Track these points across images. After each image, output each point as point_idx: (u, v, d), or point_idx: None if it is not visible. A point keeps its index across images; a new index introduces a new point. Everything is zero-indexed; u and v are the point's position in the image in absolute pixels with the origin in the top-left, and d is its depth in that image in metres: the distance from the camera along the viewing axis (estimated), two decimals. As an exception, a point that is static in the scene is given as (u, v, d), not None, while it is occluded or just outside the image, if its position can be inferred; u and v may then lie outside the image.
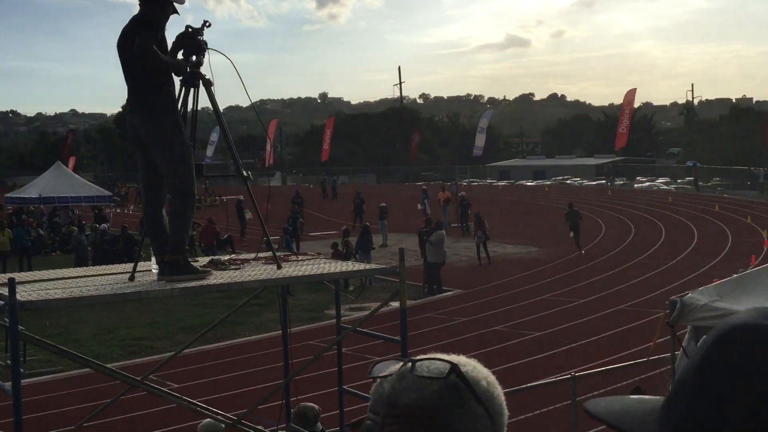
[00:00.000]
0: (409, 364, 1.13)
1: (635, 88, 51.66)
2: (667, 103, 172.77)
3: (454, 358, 1.16)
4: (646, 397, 1.05)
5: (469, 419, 1.10)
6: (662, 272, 22.20)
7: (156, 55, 5.72)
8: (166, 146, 5.89)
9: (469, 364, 1.16)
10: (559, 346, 14.65)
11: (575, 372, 9.75)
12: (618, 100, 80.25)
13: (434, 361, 1.14)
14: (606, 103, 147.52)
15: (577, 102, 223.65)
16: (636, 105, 61.04)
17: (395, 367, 1.15)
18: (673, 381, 0.98)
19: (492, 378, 1.17)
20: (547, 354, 14.18)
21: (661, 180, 58.70)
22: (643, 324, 15.64)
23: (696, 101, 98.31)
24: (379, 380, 1.14)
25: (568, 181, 62.77)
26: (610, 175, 59.58)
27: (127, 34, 5.92)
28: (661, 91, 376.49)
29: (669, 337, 9.46)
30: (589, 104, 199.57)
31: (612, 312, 17.42)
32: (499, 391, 1.16)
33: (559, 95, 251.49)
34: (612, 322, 16.40)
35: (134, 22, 5.94)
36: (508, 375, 12.74)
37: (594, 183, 59.47)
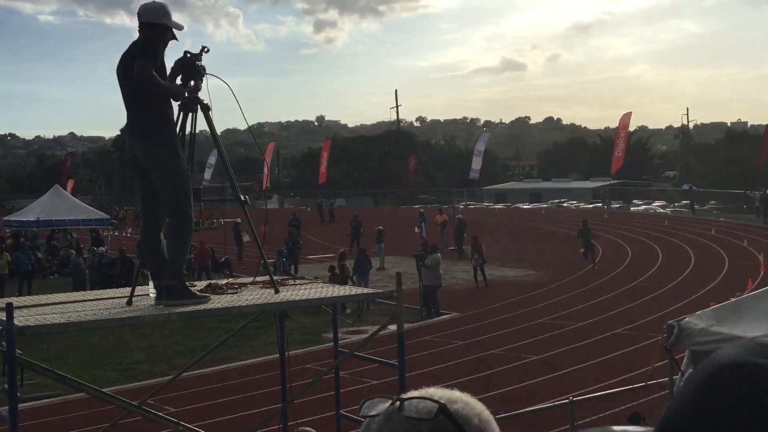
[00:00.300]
0: (397, 403, 1.08)
1: (631, 112, 52.00)
2: (663, 126, 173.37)
3: (446, 394, 1.11)
4: (634, 429, 1.03)
5: None
6: (659, 296, 22.20)
7: (155, 80, 5.77)
8: (164, 170, 5.93)
9: (461, 401, 1.10)
10: (557, 370, 14.62)
11: (573, 396, 9.74)
12: (613, 124, 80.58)
13: (423, 401, 1.08)
14: (602, 127, 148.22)
15: (572, 125, 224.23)
16: (631, 128, 61.39)
17: (385, 405, 1.10)
18: (660, 422, 0.92)
19: (486, 414, 1.11)
20: (544, 378, 14.15)
21: (657, 203, 58.79)
22: (640, 348, 15.62)
23: (691, 125, 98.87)
24: (367, 420, 1.10)
25: (564, 204, 62.84)
26: (606, 198, 59.69)
27: (126, 59, 5.97)
28: (657, 114, 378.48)
29: (667, 361, 9.47)
30: (585, 127, 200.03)
31: (609, 336, 17.40)
32: (493, 427, 1.11)
33: (555, 118, 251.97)
34: (609, 345, 16.38)
35: (134, 47, 6.00)
36: (506, 399, 12.71)
37: (590, 206, 59.55)
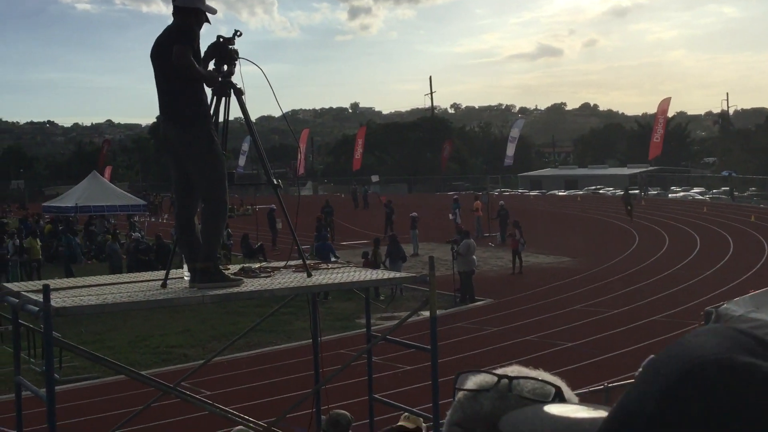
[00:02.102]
0: (505, 380, 1.06)
1: (670, 97, 51.21)
2: (702, 112, 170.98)
3: (550, 377, 1.07)
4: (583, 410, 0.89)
5: None
6: (697, 283, 21.91)
7: (192, 65, 5.77)
8: (199, 155, 5.93)
9: (564, 386, 1.07)
10: (592, 357, 14.51)
11: (608, 383, 9.65)
12: (651, 110, 79.63)
13: (534, 381, 1.05)
14: (639, 113, 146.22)
15: (609, 111, 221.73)
16: (670, 114, 60.48)
17: (482, 379, 1.07)
18: (611, 418, 0.76)
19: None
20: (579, 365, 14.05)
21: (695, 190, 57.99)
22: (677, 335, 15.42)
23: (731, 110, 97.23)
24: (471, 394, 1.07)
25: (600, 191, 62.24)
26: (643, 184, 59.00)
27: (161, 44, 5.97)
28: (695, 100, 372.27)
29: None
30: (622, 113, 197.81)
31: (646, 323, 17.22)
32: None
33: (592, 104, 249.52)
34: (646, 333, 16.20)
35: (170, 32, 5.98)
36: (540, 385, 12.65)
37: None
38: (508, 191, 64.22)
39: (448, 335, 15.86)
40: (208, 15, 6.14)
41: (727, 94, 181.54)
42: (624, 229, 35.55)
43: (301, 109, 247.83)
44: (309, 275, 6.28)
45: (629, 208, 37.94)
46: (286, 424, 8.07)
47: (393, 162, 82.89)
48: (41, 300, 5.01)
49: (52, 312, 4.92)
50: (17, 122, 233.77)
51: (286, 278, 6.31)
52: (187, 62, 5.72)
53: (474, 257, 21.45)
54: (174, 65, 5.74)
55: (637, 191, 37.85)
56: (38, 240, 26.89)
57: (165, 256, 24.53)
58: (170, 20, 6.12)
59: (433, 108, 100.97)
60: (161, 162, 79.05)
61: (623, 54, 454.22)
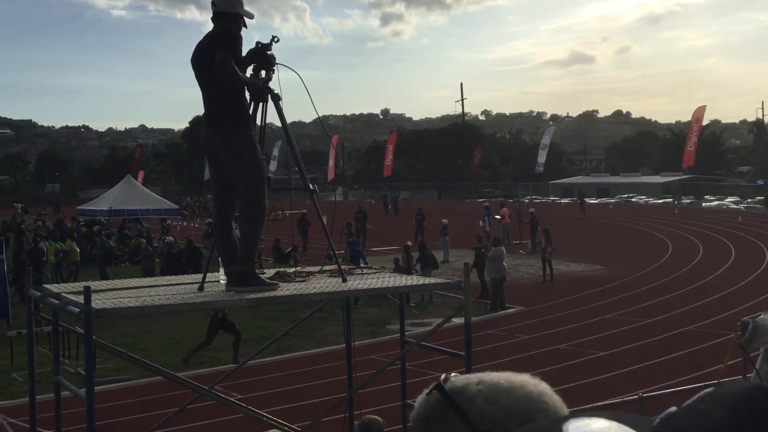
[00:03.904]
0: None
1: (705, 105, 50.59)
2: (737, 120, 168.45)
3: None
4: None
5: None
6: (731, 293, 21.63)
7: (235, 72, 5.82)
8: (241, 160, 5.98)
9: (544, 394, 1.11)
10: (625, 366, 14.37)
11: (643, 393, 9.56)
12: (684, 118, 78.87)
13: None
14: (672, 120, 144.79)
15: (642, 119, 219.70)
16: (704, 122, 59.81)
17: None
18: None
19: None
20: (612, 374, 13.93)
21: (730, 199, 57.27)
22: (712, 345, 15.27)
23: (766, 119, 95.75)
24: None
25: (633, 199, 61.68)
26: (677, 193, 58.38)
27: (203, 50, 6.01)
28: (730, 108, 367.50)
29: (740, 359, 9.23)
30: (655, 121, 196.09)
31: (680, 333, 17.03)
32: None
33: (624, 112, 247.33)
34: (680, 343, 16.03)
35: (212, 38, 6.03)
36: (572, 394, 12.55)
37: (660, 201, 58.35)
38: (538, 198, 63.88)
39: (479, 342, 15.78)
40: (246, 19, 6.19)
41: (763, 102, 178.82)
42: (657, 238, 35.21)
43: (332, 115, 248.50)
44: (344, 280, 6.30)
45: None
46: (318, 428, 8.10)
47: (423, 168, 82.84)
48: (81, 301, 5.08)
49: (93, 313, 4.98)
50: (53, 126, 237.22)
51: (321, 283, 6.34)
52: (230, 69, 5.77)
53: (504, 264, 21.36)
54: (217, 72, 5.79)
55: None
56: (75, 243, 27.27)
57: (196, 259, 24.77)
58: (204, 26, 6.24)
59: (463, 114, 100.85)
60: (193, 166, 79.77)
61: (656, 61, 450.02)
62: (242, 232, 6.15)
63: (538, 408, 1.05)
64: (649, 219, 43.15)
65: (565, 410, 1.05)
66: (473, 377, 1.10)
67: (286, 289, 6.06)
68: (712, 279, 24.30)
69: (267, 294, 5.85)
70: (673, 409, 0.85)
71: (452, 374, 1.15)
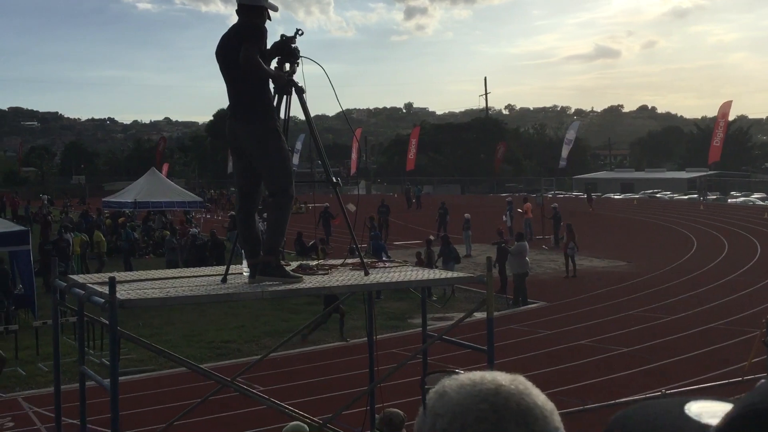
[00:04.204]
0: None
1: (731, 101, 50.00)
2: (764, 116, 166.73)
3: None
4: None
5: None
6: (757, 290, 21.40)
7: (260, 65, 5.84)
8: (267, 152, 5.99)
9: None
10: (647, 363, 14.27)
11: (665, 389, 9.50)
12: (710, 113, 78.05)
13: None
14: (698, 116, 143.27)
15: (667, 114, 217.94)
16: (731, 118, 59.16)
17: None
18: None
19: None
20: (634, 371, 13.84)
21: (756, 195, 56.62)
22: (736, 343, 15.13)
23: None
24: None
25: (657, 195, 61.21)
26: (702, 189, 57.85)
27: (228, 43, 6.03)
28: (757, 104, 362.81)
29: (765, 356, 9.14)
30: (681, 116, 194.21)
31: (703, 330, 16.88)
32: None
33: (649, 107, 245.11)
34: (704, 340, 15.89)
35: (237, 30, 6.04)
36: (595, 390, 12.50)
37: (685, 197, 57.85)
38: (562, 194, 63.57)
39: (501, 337, 15.76)
40: (270, 12, 6.20)
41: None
42: (682, 234, 34.92)
43: (355, 109, 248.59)
44: (366, 273, 6.31)
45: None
46: (339, 421, 8.13)
47: (446, 162, 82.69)
48: (106, 292, 5.13)
49: (117, 304, 5.03)
50: (79, 119, 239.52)
51: (344, 276, 6.35)
52: (255, 61, 5.79)
53: (527, 259, 21.27)
54: (242, 64, 5.80)
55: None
56: (102, 234, 27.57)
57: (220, 252, 24.93)
58: (228, 19, 6.25)
59: (487, 109, 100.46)
60: (217, 159, 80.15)
61: (683, 56, 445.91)
62: (268, 222, 6.18)
63: (477, 408, 1.04)
64: (674, 215, 42.79)
65: (530, 413, 1.03)
66: (458, 375, 1.11)
67: (308, 282, 6.08)
68: (737, 276, 24.06)
69: (289, 287, 5.87)
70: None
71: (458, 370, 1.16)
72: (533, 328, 17.80)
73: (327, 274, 6.48)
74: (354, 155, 63.95)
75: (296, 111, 6.67)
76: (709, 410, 0.90)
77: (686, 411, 0.91)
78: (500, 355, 13.56)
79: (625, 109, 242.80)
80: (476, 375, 1.09)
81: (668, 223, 39.35)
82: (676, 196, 59.06)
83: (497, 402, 1.04)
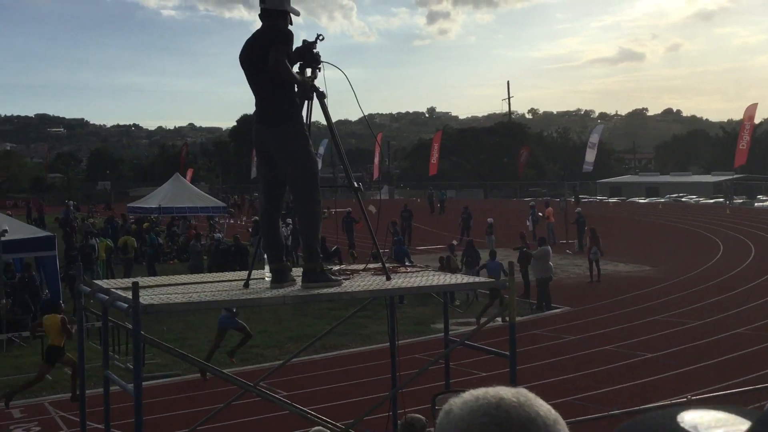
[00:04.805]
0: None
1: (756, 103, 49.46)
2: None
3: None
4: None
5: None
6: (785, 295, 21.13)
7: (289, 70, 5.84)
8: (294, 157, 5.99)
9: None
10: (673, 369, 14.13)
11: (691, 395, 9.39)
12: (737, 116, 77.23)
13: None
14: (724, 119, 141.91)
15: (693, 117, 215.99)
16: (757, 120, 58.51)
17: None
18: None
19: None
20: (660, 376, 13.71)
21: (783, 199, 55.99)
22: (764, 348, 14.95)
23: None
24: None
25: (683, 199, 60.68)
26: (728, 193, 57.25)
27: (255, 47, 6.04)
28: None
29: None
30: (706, 120, 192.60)
31: (730, 335, 16.69)
32: None
33: (674, 110, 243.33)
34: (730, 345, 15.71)
35: (264, 34, 6.02)
36: (620, 396, 12.40)
37: (711, 201, 57.30)
38: (586, 198, 63.17)
39: (525, 342, 15.68)
40: (292, 17, 6.21)
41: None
42: (708, 239, 34.58)
43: (378, 114, 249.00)
44: (388, 278, 6.30)
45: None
46: (362, 426, 8.12)
47: (469, 167, 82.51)
48: (130, 297, 5.17)
49: (140, 309, 5.06)
50: (104, 125, 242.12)
51: (366, 281, 6.34)
52: (284, 66, 5.79)
53: (551, 264, 21.16)
54: (271, 68, 5.80)
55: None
56: (134, 240, 27.84)
57: (243, 257, 25.00)
58: (252, 25, 6.28)
59: (510, 113, 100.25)
60: (240, 164, 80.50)
61: (708, 59, 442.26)
62: (301, 228, 6.20)
63: (479, 421, 1.06)
64: (700, 219, 42.40)
65: (532, 424, 1.05)
66: (463, 393, 1.14)
67: (330, 287, 6.07)
68: (764, 280, 23.77)
69: (309, 292, 5.87)
70: None
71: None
72: (557, 333, 17.69)
73: (349, 279, 6.48)
74: (376, 160, 63.92)
75: (318, 116, 6.68)
76: (704, 421, 0.90)
77: (680, 423, 0.91)
78: (523, 360, 13.50)
79: (650, 113, 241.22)
80: (480, 391, 1.13)
81: (694, 228, 38.99)
82: (702, 200, 58.51)
83: (499, 415, 1.07)
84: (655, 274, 26.15)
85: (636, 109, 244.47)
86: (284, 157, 6.01)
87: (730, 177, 61.87)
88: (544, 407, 1.09)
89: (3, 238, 17.14)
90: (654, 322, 18.31)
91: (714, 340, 16.27)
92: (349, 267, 7.47)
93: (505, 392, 1.10)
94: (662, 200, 59.94)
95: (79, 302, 6.89)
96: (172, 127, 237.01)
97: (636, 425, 0.95)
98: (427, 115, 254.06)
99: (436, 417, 1.16)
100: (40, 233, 21.41)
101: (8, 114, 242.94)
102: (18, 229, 19.68)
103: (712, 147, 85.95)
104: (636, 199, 63.05)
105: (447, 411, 1.12)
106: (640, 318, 18.88)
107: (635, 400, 11.93)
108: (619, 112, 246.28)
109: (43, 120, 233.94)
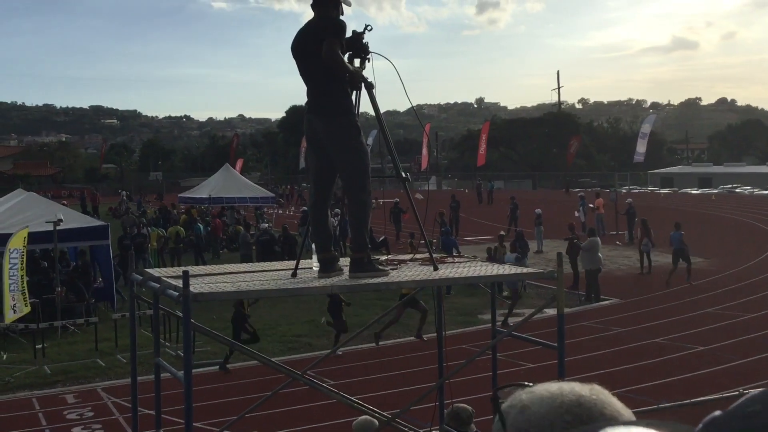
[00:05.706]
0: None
1: (815, 91, 48.17)
2: None
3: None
4: None
5: None
6: (843, 289, 20.58)
7: (342, 60, 5.85)
8: (346, 147, 6.02)
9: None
10: (725, 362, 13.89)
11: (743, 389, 9.22)
12: (795, 104, 75.12)
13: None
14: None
15: (748, 107, 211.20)
16: (816, 109, 56.94)
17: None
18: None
19: None
20: (712, 369, 13.48)
21: (842, 190, 54.50)
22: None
23: None
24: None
25: (737, 190, 59.43)
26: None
27: (307, 37, 6.05)
28: None
29: None
30: (762, 109, 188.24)
31: (785, 329, 16.33)
32: None
33: (729, 99, 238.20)
34: (785, 339, 15.36)
35: (318, 24, 6.02)
36: (670, 389, 12.22)
37: (766, 192, 56.02)
38: (637, 188, 62.26)
39: (573, 334, 15.55)
40: (344, 6, 6.21)
41: None
42: (762, 230, 33.83)
43: (426, 104, 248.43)
44: (435, 269, 6.29)
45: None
46: (408, 416, 8.14)
47: (517, 158, 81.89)
48: (180, 286, 5.25)
49: (191, 297, 5.14)
50: (156, 116, 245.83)
51: (413, 271, 6.35)
52: (338, 56, 5.80)
53: (600, 255, 20.91)
54: (325, 59, 5.81)
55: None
56: (183, 229, 28.30)
57: (291, 247, 25.21)
58: (302, 16, 6.28)
59: (560, 103, 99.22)
60: (289, 155, 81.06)
61: (764, 47, 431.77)
62: (350, 218, 6.24)
63: (562, 419, 1.05)
64: (754, 210, 41.49)
65: (615, 422, 1.03)
66: (531, 387, 1.12)
67: (377, 277, 6.09)
68: (822, 274, 23.19)
69: (357, 281, 5.90)
70: (717, 413, 0.85)
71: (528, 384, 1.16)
72: (606, 325, 17.50)
73: (396, 269, 6.49)
74: (424, 151, 63.75)
75: (367, 107, 6.69)
76: None
77: None
78: (571, 352, 13.38)
79: (704, 102, 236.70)
80: (553, 386, 1.11)
81: (748, 219, 38.17)
82: (757, 191, 57.23)
83: (581, 413, 1.06)
84: (707, 266, 25.68)
85: (689, 99, 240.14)
86: (337, 149, 6.03)
87: (787, 167, 60.44)
88: (619, 404, 1.09)
89: (58, 227, 17.53)
90: (705, 315, 18.00)
91: (766, 334, 15.93)
92: (397, 257, 7.48)
93: (581, 389, 1.09)
94: (715, 191, 58.81)
95: (131, 290, 7.02)
96: (222, 118, 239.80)
97: None
98: (475, 106, 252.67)
99: (498, 410, 1.15)
100: (94, 222, 21.86)
101: (64, 105, 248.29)
102: (73, 219, 20.11)
103: (767, 137, 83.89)
104: (688, 190, 61.96)
105: (521, 408, 1.10)
106: (690, 310, 18.58)
107: (685, 394, 11.76)
108: (671, 102, 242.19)
109: (98, 112, 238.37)
